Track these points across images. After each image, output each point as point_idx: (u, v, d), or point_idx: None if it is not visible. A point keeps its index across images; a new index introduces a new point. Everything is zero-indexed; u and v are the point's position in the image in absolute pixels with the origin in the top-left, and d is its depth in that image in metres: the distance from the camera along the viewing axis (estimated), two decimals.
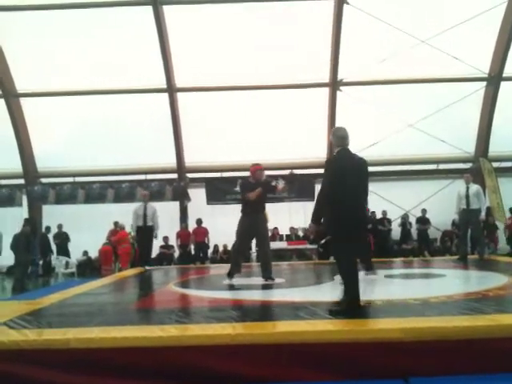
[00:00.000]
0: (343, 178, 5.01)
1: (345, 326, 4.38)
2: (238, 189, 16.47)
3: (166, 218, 16.30)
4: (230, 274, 7.89)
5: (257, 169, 7.77)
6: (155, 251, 15.71)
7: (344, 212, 4.98)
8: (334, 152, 5.28)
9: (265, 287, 7.29)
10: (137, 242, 11.03)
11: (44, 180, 17.64)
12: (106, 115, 16.22)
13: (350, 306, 4.86)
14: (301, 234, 16.08)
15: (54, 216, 16.95)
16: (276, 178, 8.67)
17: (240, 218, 7.84)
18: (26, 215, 16.83)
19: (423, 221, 15.85)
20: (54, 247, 16.15)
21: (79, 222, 16.38)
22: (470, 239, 11.70)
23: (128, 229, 13.54)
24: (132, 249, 12.93)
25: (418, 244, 15.76)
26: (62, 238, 16.23)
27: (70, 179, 17.51)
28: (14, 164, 17.10)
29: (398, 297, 5.84)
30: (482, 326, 4.13)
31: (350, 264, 5.03)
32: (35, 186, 17.31)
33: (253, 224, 7.68)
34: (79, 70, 15.43)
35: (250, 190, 7.65)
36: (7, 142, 16.58)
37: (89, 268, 16.24)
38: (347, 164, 5.10)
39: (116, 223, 14.97)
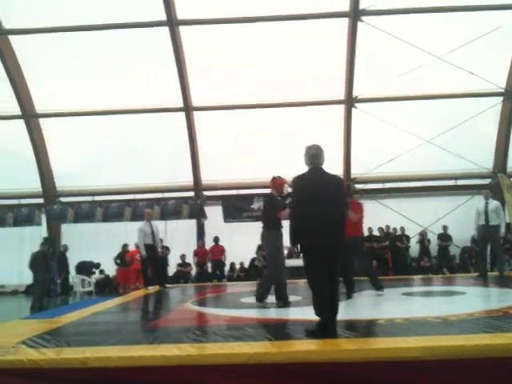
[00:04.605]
0: (308, 197, 4.91)
1: (365, 345, 4.34)
2: (254, 205, 16.52)
3: (183, 236, 16.43)
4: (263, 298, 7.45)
5: (284, 183, 7.50)
6: (172, 270, 15.82)
7: (308, 232, 4.89)
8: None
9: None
10: (148, 259, 10.95)
11: (63, 199, 17.80)
12: (123, 134, 16.40)
13: (321, 328, 4.74)
14: None
15: (72, 235, 17.11)
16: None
17: (272, 235, 7.36)
18: (44, 234, 16.99)
19: (444, 237, 15.66)
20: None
21: (97, 241, 16.50)
22: (489, 256, 11.53)
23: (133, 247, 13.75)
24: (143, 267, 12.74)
25: (438, 261, 15.56)
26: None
27: (89, 198, 17.66)
28: (34, 183, 17.33)
29: (417, 315, 5.77)
30: (503, 345, 4.06)
31: (317, 284, 4.91)
32: (54, 205, 17.47)
33: (283, 242, 7.38)
34: (97, 90, 15.64)
35: (281, 206, 7.32)
36: (27, 162, 16.83)
37: (107, 286, 16.32)
38: (314, 183, 4.98)
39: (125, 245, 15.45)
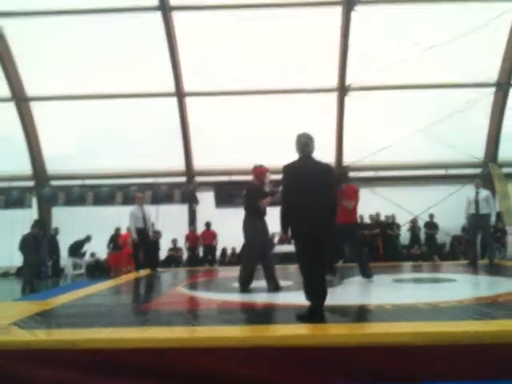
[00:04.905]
0: (298, 185, 4.94)
1: (355, 330, 4.37)
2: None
3: (175, 221, 16.43)
4: (246, 287, 7.29)
5: (264, 171, 7.46)
6: (164, 254, 15.84)
7: (297, 220, 4.92)
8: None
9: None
10: (140, 243, 10.92)
11: (54, 182, 17.74)
12: (115, 119, 16.32)
13: (312, 313, 4.79)
14: None
15: (63, 218, 17.05)
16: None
17: (252, 221, 7.28)
18: (35, 217, 16.94)
19: (430, 225, 15.76)
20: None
21: (88, 224, 16.44)
22: (479, 244, 11.63)
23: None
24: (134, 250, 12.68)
25: (427, 248, 15.67)
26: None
27: (80, 182, 17.59)
28: (25, 166, 17.28)
29: (407, 301, 5.82)
30: (492, 332, 4.11)
31: (308, 270, 4.96)
32: (45, 188, 17.41)
33: (266, 229, 7.37)
34: (88, 74, 15.48)
35: (262, 195, 7.31)
36: (18, 145, 16.75)
37: (98, 269, 16.33)
38: (304, 171, 5.00)
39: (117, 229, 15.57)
